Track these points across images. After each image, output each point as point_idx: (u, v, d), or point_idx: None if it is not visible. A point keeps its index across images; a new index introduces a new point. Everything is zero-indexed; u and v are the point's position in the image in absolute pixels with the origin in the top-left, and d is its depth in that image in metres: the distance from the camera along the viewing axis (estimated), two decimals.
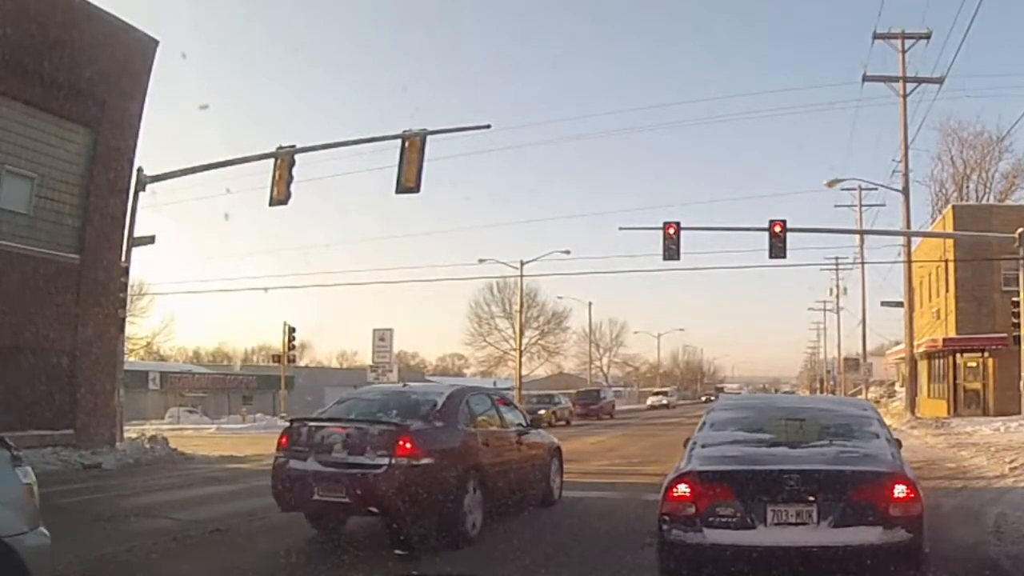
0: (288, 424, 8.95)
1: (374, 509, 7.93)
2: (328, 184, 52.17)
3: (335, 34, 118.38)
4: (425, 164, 17.79)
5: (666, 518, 5.79)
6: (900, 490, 5.59)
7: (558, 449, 11.24)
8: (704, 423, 6.87)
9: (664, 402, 64.17)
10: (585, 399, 43.98)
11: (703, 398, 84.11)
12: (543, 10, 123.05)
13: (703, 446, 6.38)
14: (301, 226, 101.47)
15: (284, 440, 8.51)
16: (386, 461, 7.77)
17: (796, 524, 5.53)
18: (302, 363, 64.03)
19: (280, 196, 18.54)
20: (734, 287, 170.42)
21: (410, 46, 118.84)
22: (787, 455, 6.06)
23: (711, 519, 5.63)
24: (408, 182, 17.81)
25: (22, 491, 4.31)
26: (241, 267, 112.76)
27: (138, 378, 44.68)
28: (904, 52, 27.98)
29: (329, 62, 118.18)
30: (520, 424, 10.41)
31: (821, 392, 66.55)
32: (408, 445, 7.84)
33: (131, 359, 43.34)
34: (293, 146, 18.87)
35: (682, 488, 5.79)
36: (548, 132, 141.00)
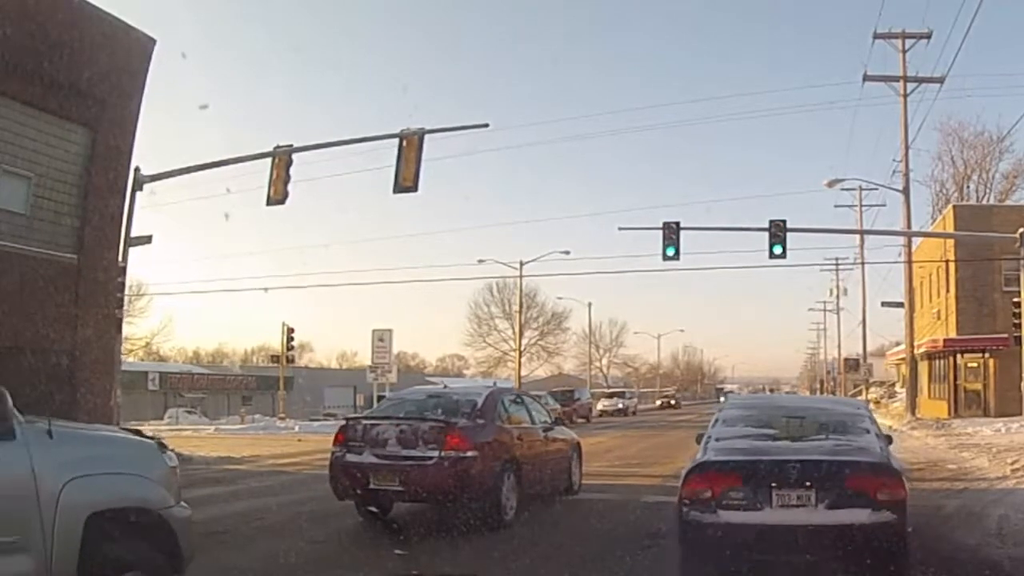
0: (344, 422, 9.83)
1: (425, 496, 8.88)
2: (327, 184, 52.28)
3: (335, 34, 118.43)
4: (424, 163, 17.74)
5: (686, 501, 6.46)
6: (887, 478, 6.28)
7: (578, 444, 12.09)
8: (717, 420, 7.59)
9: (620, 406, 50.45)
10: (557, 400, 35.97)
11: (659, 402, 76.45)
12: (543, 10, 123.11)
13: (717, 440, 7.10)
14: (301, 226, 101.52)
15: (340, 436, 9.44)
16: (436, 454, 8.74)
17: (797, 506, 6.20)
18: (301, 363, 63.95)
19: (277, 196, 18.46)
20: (734, 287, 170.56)
21: (410, 46, 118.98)
22: (789, 447, 6.78)
23: (724, 502, 6.31)
24: (406, 181, 17.72)
25: (169, 472, 5.07)
26: (241, 267, 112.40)
27: (137, 378, 44.71)
28: (904, 52, 28.01)
29: (329, 62, 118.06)
30: (546, 421, 11.28)
31: (821, 393, 66.67)
32: (455, 440, 8.79)
33: (130, 359, 43.35)
34: (291, 145, 18.76)
35: (699, 476, 6.50)
36: (548, 132, 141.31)
